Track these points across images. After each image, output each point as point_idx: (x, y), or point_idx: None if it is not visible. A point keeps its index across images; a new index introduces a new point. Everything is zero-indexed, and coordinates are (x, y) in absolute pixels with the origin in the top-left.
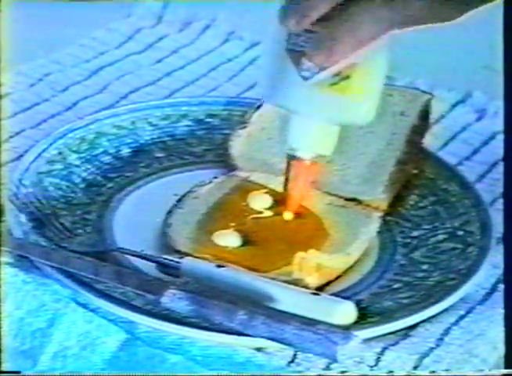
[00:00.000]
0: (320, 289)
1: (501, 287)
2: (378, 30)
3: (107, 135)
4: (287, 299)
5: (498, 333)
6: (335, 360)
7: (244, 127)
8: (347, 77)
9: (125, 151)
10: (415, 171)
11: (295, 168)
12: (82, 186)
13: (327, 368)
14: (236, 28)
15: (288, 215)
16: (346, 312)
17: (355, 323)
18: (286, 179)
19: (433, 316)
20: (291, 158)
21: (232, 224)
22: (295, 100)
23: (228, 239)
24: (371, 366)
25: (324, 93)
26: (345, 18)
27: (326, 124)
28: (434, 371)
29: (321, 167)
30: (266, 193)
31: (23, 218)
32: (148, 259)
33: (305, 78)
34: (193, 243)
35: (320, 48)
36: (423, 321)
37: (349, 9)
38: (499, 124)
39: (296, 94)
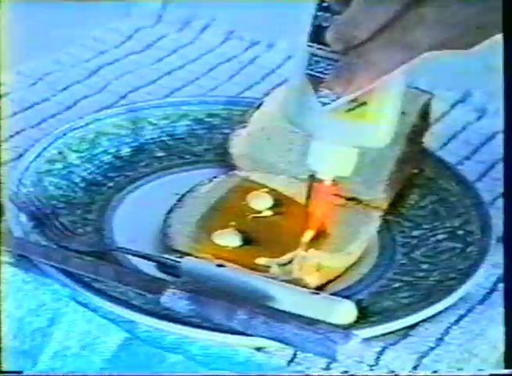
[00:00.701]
0: (320, 288)
1: (501, 286)
2: (393, 64)
3: (107, 135)
4: (287, 299)
5: (498, 333)
6: (335, 360)
7: (244, 126)
8: (364, 103)
9: (125, 151)
10: (415, 171)
11: (316, 189)
12: (82, 185)
13: (327, 368)
14: (236, 28)
15: (309, 234)
16: (346, 311)
17: (355, 322)
18: (308, 199)
19: (433, 316)
20: (312, 179)
21: (232, 223)
22: (314, 125)
23: (228, 238)
24: (371, 366)
25: (341, 119)
26: (363, 51)
27: (344, 148)
28: (436, 371)
29: (341, 186)
30: (266, 192)
31: (23, 217)
32: (148, 259)
33: (323, 104)
34: (193, 242)
35: (338, 78)
36: (423, 321)
37: (366, 43)
38: (499, 123)
39: (315, 119)
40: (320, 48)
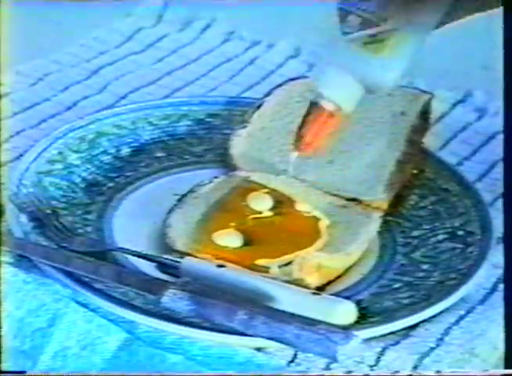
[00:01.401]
0: (320, 289)
1: (501, 286)
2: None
3: (107, 135)
4: (287, 299)
5: (498, 333)
6: (335, 360)
7: (244, 127)
8: (382, 40)
9: (125, 151)
10: (415, 171)
11: (315, 115)
12: (82, 185)
13: (327, 368)
14: (236, 28)
15: (293, 155)
16: (346, 311)
17: (356, 322)
18: (303, 123)
19: (433, 316)
20: (313, 105)
21: (233, 224)
22: (331, 51)
23: (229, 239)
24: (371, 366)
25: (358, 49)
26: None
27: (353, 78)
28: (439, 371)
29: (338, 121)
30: (266, 193)
31: (23, 218)
32: (148, 259)
33: (345, 33)
34: (193, 243)
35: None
36: (424, 321)
37: None
38: (499, 123)
39: (333, 46)
40: None
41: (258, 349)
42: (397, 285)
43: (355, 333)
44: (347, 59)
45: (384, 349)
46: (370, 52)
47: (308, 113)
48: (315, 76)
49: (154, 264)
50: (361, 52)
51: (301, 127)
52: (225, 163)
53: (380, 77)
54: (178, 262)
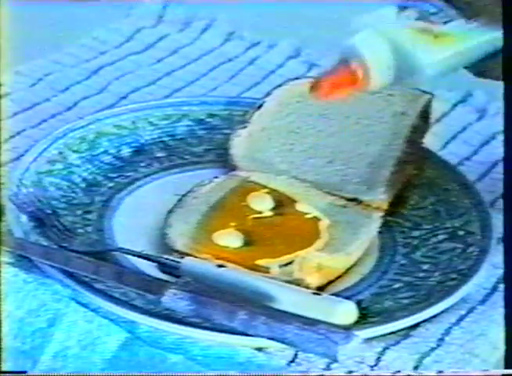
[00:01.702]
0: (321, 289)
1: (501, 287)
2: None
3: (108, 135)
4: (288, 299)
5: (498, 333)
6: (336, 360)
7: (245, 127)
8: (437, 36)
9: (126, 151)
10: (415, 171)
11: (341, 71)
12: (82, 185)
13: (328, 368)
14: (236, 28)
15: (310, 95)
16: (347, 312)
17: (356, 323)
18: (328, 72)
19: (433, 316)
20: (344, 62)
21: (233, 224)
22: (382, 24)
23: (229, 239)
24: (372, 366)
25: (408, 31)
26: None
27: (393, 55)
28: (440, 371)
29: (357, 89)
30: (267, 193)
31: (23, 218)
32: (148, 259)
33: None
34: (194, 243)
35: None
36: (424, 321)
37: None
38: (499, 124)
39: (384, 21)
40: None
41: (259, 349)
42: (397, 285)
43: (356, 333)
44: (395, 33)
45: (384, 349)
46: (420, 36)
47: (335, 67)
48: (358, 38)
49: (154, 264)
50: (410, 33)
51: (324, 74)
52: (225, 163)
53: (420, 59)
54: (178, 262)
